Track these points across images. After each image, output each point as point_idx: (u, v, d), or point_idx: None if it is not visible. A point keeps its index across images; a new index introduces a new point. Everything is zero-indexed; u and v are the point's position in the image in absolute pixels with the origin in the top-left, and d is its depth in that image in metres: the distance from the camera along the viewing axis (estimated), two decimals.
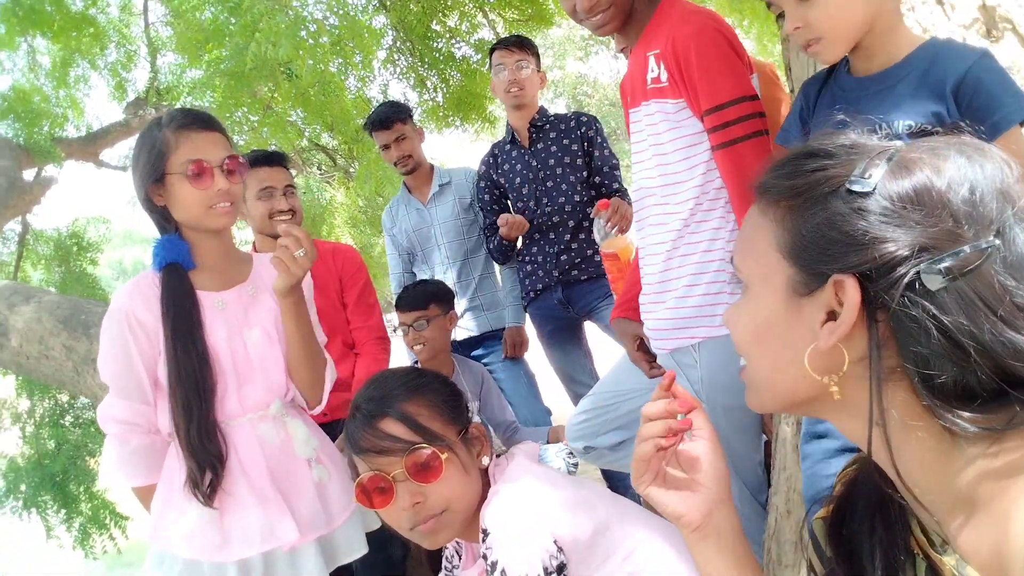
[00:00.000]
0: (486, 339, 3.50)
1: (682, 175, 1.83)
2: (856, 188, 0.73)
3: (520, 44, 3.22)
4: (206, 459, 1.76)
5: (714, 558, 0.97)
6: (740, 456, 1.92)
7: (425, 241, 3.54)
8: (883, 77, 1.46)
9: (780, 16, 1.48)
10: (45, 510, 5.43)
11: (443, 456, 1.41)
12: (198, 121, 1.82)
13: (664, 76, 1.79)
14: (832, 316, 0.76)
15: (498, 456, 1.56)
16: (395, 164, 3.48)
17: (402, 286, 3.60)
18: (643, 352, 2.09)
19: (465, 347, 3.46)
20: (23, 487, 5.36)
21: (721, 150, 1.75)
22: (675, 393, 0.99)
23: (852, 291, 0.73)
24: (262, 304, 1.93)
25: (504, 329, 3.46)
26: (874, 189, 0.73)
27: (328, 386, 2.07)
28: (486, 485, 1.49)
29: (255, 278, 1.96)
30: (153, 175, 1.78)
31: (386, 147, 3.42)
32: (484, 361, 3.43)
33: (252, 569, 1.82)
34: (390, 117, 3.38)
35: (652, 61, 1.81)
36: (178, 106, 6.16)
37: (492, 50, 3.29)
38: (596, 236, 2.63)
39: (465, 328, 3.47)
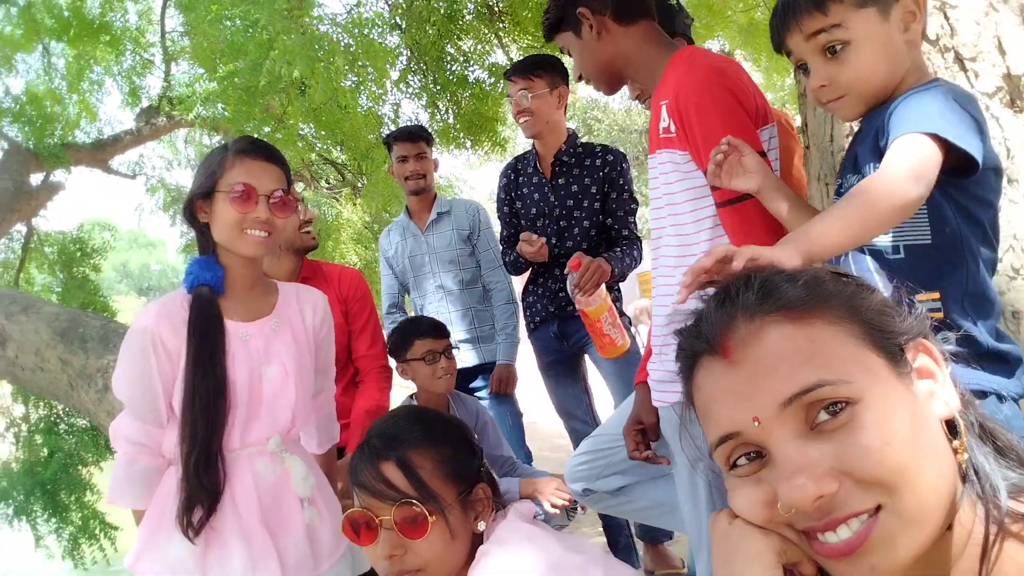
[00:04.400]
0: (481, 371, 3.48)
1: (690, 226, 1.79)
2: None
3: (525, 70, 3.08)
4: (200, 492, 1.73)
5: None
6: None
7: (419, 268, 3.53)
8: (871, 117, 1.41)
9: (799, 68, 1.44)
10: (35, 518, 5.38)
11: (431, 518, 1.37)
12: (259, 149, 1.86)
13: (673, 127, 1.75)
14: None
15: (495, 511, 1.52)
16: (406, 179, 3.46)
17: (394, 308, 3.66)
18: (638, 431, 2.01)
19: (460, 378, 3.35)
20: (15, 494, 5.30)
21: (725, 208, 1.70)
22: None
23: (931, 346, 0.80)
24: (282, 339, 1.91)
25: (492, 363, 3.44)
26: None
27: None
28: (477, 543, 1.45)
29: (280, 310, 1.94)
30: (203, 189, 1.81)
31: (403, 159, 3.43)
32: (477, 395, 3.39)
33: None
34: (417, 133, 3.46)
35: (664, 111, 1.76)
36: (191, 116, 6.18)
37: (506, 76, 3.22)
38: (568, 290, 2.64)
39: (460, 360, 3.38)
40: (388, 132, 3.76)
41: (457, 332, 3.42)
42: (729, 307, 0.80)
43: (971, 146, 1.21)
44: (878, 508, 0.71)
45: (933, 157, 1.20)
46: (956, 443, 0.76)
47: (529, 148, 3.35)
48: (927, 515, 0.71)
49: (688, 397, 0.86)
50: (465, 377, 3.43)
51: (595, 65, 1.91)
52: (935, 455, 0.74)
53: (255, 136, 1.80)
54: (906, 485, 0.70)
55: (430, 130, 4.44)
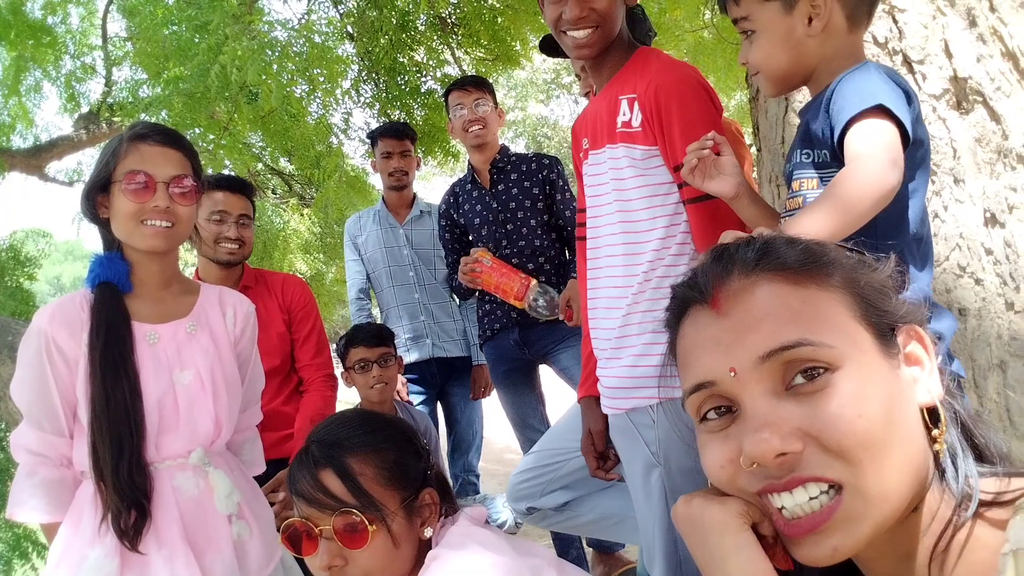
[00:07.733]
0: (456, 364, 3.63)
1: (644, 224, 1.77)
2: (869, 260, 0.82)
3: (477, 83, 3.24)
4: (134, 497, 1.60)
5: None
6: None
7: (394, 259, 3.60)
8: (808, 107, 1.49)
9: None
10: None
11: (372, 527, 1.32)
12: (157, 134, 1.73)
13: (637, 121, 1.73)
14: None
15: (444, 517, 1.48)
16: (390, 175, 3.57)
17: (362, 293, 3.70)
18: (595, 448, 1.98)
19: (441, 367, 3.58)
20: None
21: (695, 203, 1.70)
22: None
23: (924, 334, 0.79)
24: (199, 343, 1.78)
25: (470, 358, 3.62)
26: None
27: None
28: (425, 550, 1.41)
29: (198, 313, 1.82)
30: (98, 182, 1.69)
31: (388, 155, 3.54)
32: (455, 388, 3.59)
33: None
34: (403, 131, 3.61)
35: (624, 104, 1.75)
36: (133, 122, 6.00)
37: (447, 93, 3.29)
38: (544, 308, 2.85)
39: (445, 350, 3.58)
40: (374, 128, 3.93)
41: (441, 322, 3.60)
42: (727, 261, 0.80)
43: (904, 117, 1.26)
44: (840, 489, 0.71)
45: (897, 138, 1.24)
46: (935, 432, 0.76)
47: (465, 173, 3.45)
48: (888, 496, 0.71)
49: (671, 347, 0.86)
50: (451, 365, 3.62)
51: None
52: (907, 439, 0.73)
53: (156, 122, 1.66)
54: (870, 462, 0.70)
55: None
